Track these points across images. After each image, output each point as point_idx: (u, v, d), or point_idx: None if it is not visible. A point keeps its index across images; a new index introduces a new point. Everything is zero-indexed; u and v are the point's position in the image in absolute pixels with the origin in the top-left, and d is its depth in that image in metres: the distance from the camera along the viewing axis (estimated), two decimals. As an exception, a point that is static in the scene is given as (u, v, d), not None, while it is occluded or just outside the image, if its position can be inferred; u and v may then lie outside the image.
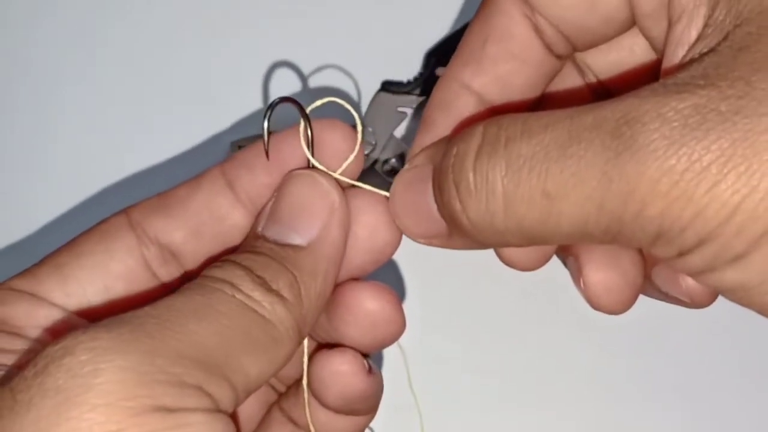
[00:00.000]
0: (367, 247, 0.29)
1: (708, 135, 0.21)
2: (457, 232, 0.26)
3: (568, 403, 0.43)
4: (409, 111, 0.43)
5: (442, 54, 0.44)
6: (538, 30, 0.28)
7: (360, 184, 0.29)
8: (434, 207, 0.26)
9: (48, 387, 0.21)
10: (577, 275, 0.28)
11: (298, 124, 0.28)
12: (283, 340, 0.25)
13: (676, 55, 0.24)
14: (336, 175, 0.28)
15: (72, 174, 0.46)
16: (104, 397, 0.21)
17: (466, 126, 0.26)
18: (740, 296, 0.23)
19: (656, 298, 0.30)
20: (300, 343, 0.26)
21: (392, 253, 0.30)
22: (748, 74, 0.22)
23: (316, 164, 0.28)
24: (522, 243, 0.25)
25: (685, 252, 0.23)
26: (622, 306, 0.28)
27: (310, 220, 0.27)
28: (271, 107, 0.27)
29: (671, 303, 0.29)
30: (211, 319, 0.24)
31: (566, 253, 0.29)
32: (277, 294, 0.25)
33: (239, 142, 0.44)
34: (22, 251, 0.44)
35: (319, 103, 0.29)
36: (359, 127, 0.28)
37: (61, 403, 0.21)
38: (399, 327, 0.29)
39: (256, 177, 0.28)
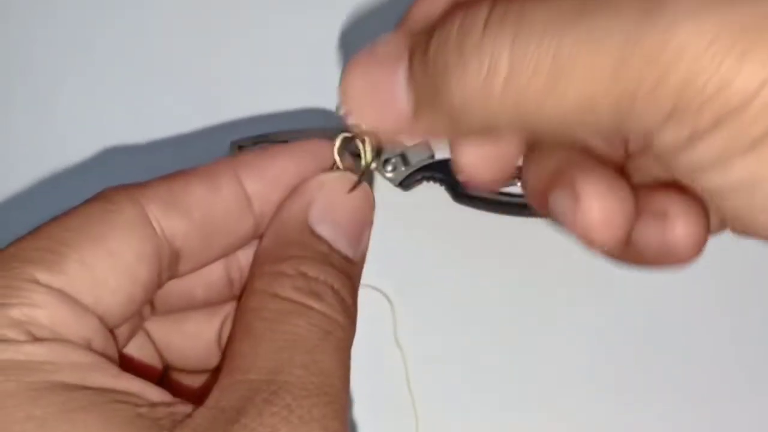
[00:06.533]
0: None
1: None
2: (434, 111, 0.24)
3: (567, 404, 0.43)
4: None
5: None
6: None
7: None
8: (401, 86, 0.24)
9: None
10: (572, 208, 0.25)
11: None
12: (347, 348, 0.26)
13: None
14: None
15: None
16: None
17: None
18: (743, 200, 0.21)
19: (635, 263, 0.28)
20: None
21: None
22: None
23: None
24: (510, 124, 0.23)
25: (696, 136, 0.21)
26: (619, 238, 0.25)
27: (362, 236, 0.27)
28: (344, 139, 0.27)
29: (652, 264, 0.27)
30: (330, 356, 0.25)
31: (558, 185, 0.26)
32: (346, 307, 0.26)
33: (239, 142, 0.44)
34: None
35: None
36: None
37: None
38: None
39: (273, 193, 0.27)
